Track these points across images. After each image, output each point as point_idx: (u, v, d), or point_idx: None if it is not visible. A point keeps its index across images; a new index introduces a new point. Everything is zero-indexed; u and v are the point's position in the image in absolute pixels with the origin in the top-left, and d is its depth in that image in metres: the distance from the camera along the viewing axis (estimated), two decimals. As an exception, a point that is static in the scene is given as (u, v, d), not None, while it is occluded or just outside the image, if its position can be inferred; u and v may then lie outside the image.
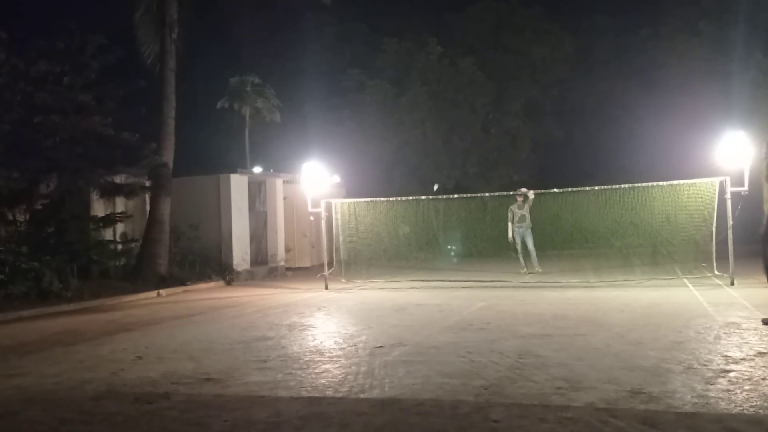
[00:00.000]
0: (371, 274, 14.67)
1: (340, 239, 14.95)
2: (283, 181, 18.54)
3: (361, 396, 4.88)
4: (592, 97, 27.07)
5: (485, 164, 25.79)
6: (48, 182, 13.63)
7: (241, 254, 16.56)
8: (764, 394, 4.50)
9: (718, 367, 5.26)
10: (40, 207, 13.47)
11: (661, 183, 12.73)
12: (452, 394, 4.80)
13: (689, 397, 4.49)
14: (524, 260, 14.47)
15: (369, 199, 15.67)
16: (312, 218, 14.44)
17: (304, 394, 5.02)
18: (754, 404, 4.29)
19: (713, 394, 4.52)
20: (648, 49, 25.80)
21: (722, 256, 11.46)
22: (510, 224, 14.51)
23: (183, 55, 16.08)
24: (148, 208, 15.26)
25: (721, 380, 4.87)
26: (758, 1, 22.54)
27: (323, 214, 13.88)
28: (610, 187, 13.81)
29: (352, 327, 8.16)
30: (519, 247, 14.56)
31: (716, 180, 11.48)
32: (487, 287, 12.23)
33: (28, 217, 13.35)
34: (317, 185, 13.99)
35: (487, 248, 19.02)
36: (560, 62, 27.33)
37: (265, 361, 6.23)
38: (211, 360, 6.42)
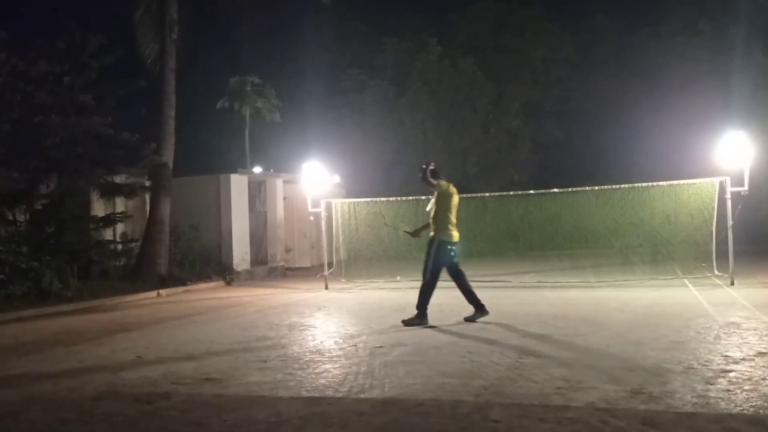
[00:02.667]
0: (371, 274, 14.66)
1: (340, 239, 14.95)
2: (283, 181, 18.54)
3: (361, 396, 4.87)
4: (592, 97, 27.08)
5: (485, 164, 25.82)
6: (48, 182, 13.64)
7: (241, 254, 16.56)
8: (764, 394, 4.50)
9: (718, 367, 5.26)
10: (40, 207, 13.46)
11: (661, 183, 12.72)
12: (452, 394, 4.79)
13: (689, 397, 4.49)
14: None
15: (369, 199, 15.66)
16: (312, 218, 14.44)
17: (304, 394, 5.02)
18: (754, 404, 4.28)
19: (713, 394, 4.52)
20: (648, 50, 25.82)
21: (722, 256, 11.45)
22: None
23: (183, 55, 16.09)
24: (148, 208, 15.25)
25: (721, 380, 4.87)
26: (758, 1, 22.55)
27: (323, 214, 13.87)
28: (610, 187, 13.80)
29: (352, 327, 8.16)
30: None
31: (716, 180, 11.46)
32: (487, 287, 12.20)
33: (28, 217, 13.34)
34: (317, 185, 13.99)
35: (487, 248, 19.01)
36: (560, 62, 27.36)
37: (265, 361, 6.23)
38: (211, 360, 6.41)
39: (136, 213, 15.78)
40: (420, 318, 7.86)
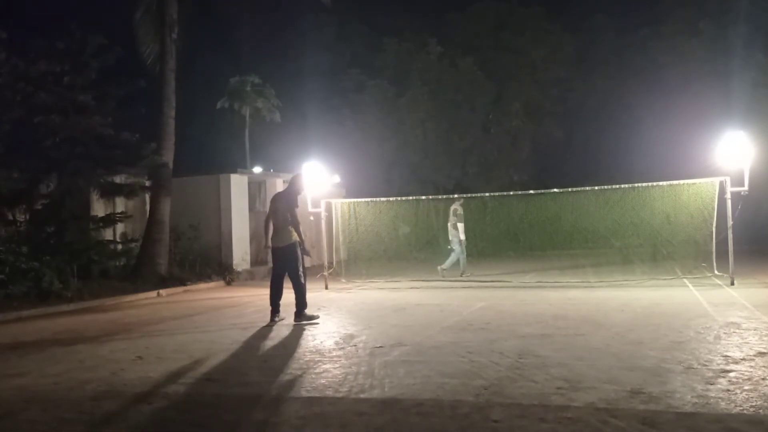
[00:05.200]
0: (371, 274, 14.67)
1: (340, 239, 14.95)
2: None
3: (361, 396, 4.88)
4: (592, 97, 27.09)
5: (485, 164, 25.82)
6: (48, 182, 13.64)
7: (241, 254, 16.55)
8: (764, 394, 4.50)
9: (718, 367, 5.26)
10: (40, 207, 13.47)
11: (661, 183, 12.71)
12: (452, 394, 4.80)
13: (689, 397, 4.49)
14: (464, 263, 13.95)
15: (369, 199, 15.66)
16: (312, 218, 14.42)
17: (304, 394, 5.02)
18: (754, 404, 4.29)
19: (713, 394, 4.52)
20: (648, 49, 25.82)
21: (722, 256, 11.45)
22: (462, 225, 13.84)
23: (183, 55, 16.09)
24: (148, 208, 15.25)
25: (721, 380, 4.87)
26: (758, 1, 22.55)
27: (323, 214, 13.87)
28: (610, 187, 13.80)
29: (352, 327, 8.16)
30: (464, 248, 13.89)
31: (716, 180, 11.45)
32: (487, 287, 12.23)
33: (28, 217, 13.34)
34: (317, 185, 13.98)
35: (487, 248, 19.00)
36: (560, 62, 27.36)
37: (266, 361, 6.23)
38: (211, 360, 6.41)
39: (136, 213, 15.77)
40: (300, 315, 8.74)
